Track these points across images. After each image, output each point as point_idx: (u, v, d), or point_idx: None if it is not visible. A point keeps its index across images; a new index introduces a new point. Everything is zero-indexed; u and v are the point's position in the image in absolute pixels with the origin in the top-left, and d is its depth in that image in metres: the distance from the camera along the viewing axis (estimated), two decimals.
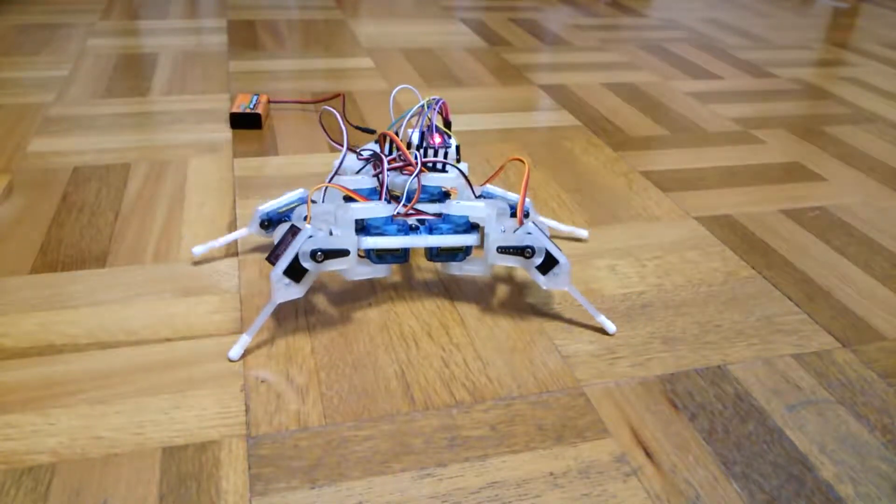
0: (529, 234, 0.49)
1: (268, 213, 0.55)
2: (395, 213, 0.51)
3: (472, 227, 0.50)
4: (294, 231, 0.48)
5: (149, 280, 0.54)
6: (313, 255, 0.46)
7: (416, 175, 0.53)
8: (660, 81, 1.06)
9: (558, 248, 0.49)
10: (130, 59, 1.03)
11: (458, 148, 0.64)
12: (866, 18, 1.58)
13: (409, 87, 0.62)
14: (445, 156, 0.63)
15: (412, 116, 0.58)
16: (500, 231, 0.50)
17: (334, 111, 0.56)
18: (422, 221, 0.52)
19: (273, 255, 0.48)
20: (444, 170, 0.56)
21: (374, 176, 0.55)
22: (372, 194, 0.54)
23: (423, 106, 0.58)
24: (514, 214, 0.57)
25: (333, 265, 0.47)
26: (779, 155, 0.83)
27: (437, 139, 0.61)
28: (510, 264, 0.50)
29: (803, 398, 0.46)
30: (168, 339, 0.48)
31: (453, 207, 0.50)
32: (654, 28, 1.37)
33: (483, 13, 1.41)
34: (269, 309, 0.46)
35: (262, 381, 0.45)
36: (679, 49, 1.24)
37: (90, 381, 0.44)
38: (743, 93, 1.03)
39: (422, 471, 0.39)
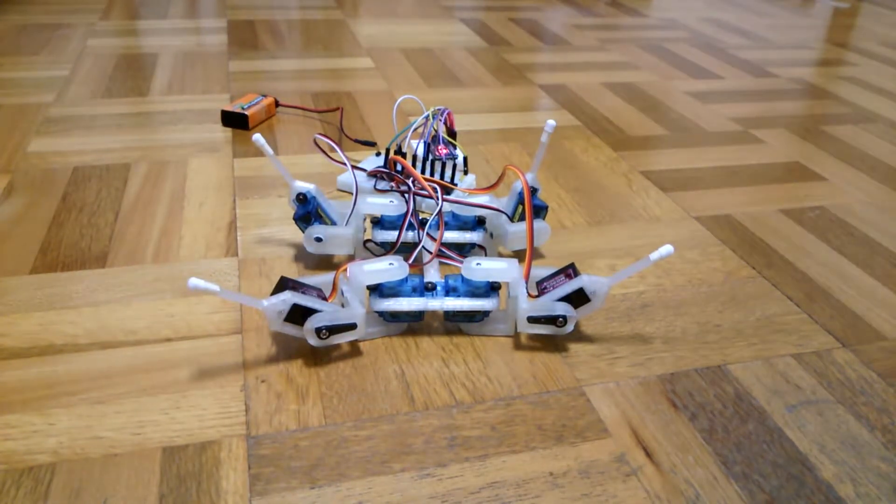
0: (559, 301, 0.47)
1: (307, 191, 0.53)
2: (411, 262, 0.48)
3: (491, 290, 0.48)
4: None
5: (149, 280, 0.54)
6: (318, 331, 0.45)
7: (438, 212, 0.51)
8: (660, 81, 1.06)
9: (584, 297, 0.47)
10: (130, 59, 1.03)
11: (465, 159, 0.63)
12: (866, 18, 1.58)
13: (413, 97, 0.61)
14: (453, 168, 0.62)
15: (417, 128, 0.58)
16: (526, 296, 0.47)
17: (328, 140, 0.55)
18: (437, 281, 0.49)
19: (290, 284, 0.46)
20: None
21: (399, 193, 0.53)
22: (399, 220, 0.53)
23: (427, 117, 0.57)
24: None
25: (339, 339, 0.46)
26: (779, 155, 0.83)
27: (443, 150, 0.60)
28: (541, 332, 0.48)
29: (803, 398, 0.46)
30: (168, 339, 0.48)
31: (473, 271, 0.47)
32: (654, 28, 1.37)
33: (483, 13, 1.41)
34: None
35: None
36: (679, 49, 1.24)
37: (90, 381, 0.44)
38: (743, 93, 1.03)
39: (422, 471, 0.39)
